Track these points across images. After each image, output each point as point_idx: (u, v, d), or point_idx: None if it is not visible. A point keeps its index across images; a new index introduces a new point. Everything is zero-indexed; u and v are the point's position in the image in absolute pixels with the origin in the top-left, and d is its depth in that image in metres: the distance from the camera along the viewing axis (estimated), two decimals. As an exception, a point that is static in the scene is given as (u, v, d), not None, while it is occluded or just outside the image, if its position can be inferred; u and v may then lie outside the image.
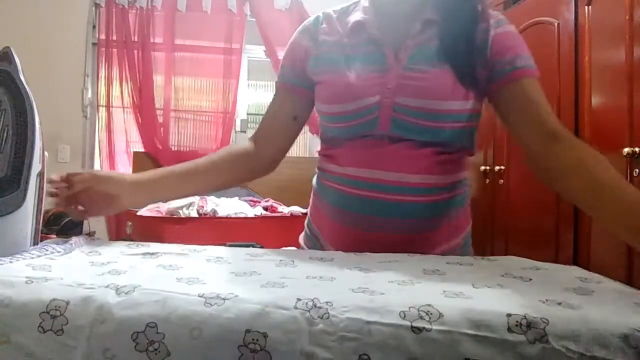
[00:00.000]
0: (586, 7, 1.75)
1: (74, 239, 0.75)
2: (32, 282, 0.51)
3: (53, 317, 0.47)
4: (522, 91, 0.82)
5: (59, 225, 2.58)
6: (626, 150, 1.48)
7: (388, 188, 0.82)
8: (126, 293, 0.49)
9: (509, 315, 0.45)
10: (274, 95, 0.97)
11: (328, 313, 0.46)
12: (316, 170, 0.96)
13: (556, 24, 1.90)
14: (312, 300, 0.48)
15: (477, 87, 0.83)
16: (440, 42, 0.83)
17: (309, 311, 0.46)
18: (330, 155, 0.91)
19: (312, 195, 0.97)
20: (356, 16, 0.88)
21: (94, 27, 3.30)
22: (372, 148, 0.83)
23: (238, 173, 0.95)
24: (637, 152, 1.46)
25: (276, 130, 0.96)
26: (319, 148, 0.96)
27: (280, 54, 0.88)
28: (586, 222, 1.70)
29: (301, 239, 1.01)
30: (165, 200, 2.45)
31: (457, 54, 0.82)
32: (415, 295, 0.52)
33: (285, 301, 0.48)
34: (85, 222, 2.73)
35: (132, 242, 0.77)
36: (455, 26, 0.83)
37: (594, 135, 1.67)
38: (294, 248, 1.00)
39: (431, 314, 0.46)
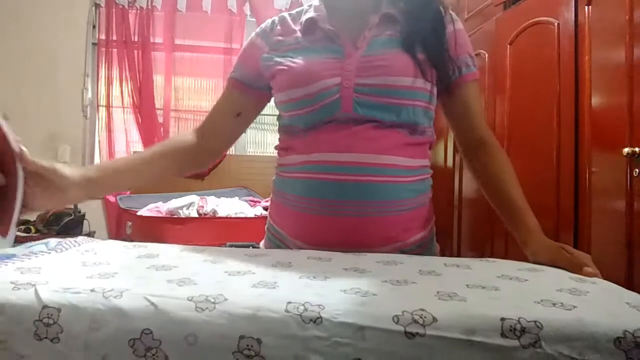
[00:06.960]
0: (586, 7, 1.75)
1: (69, 240, 0.74)
2: (19, 288, 0.50)
3: (47, 325, 0.46)
4: (465, 96, 0.91)
5: (59, 225, 2.58)
6: (626, 150, 1.47)
7: (355, 169, 0.81)
8: (115, 297, 0.48)
9: (503, 319, 0.45)
10: (224, 90, 1.00)
11: (320, 317, 0.46)
12: (275, 169, 0.95)
13: (556, 24, 1.90)
14: (304, 304, 0.47)
15: (440, 77, 0.87)
16: (403, 39, 0.85)
17: (300, 315, 0.46)
18: (291, 147, 0.90)
19: (271, 196, 0.96)
20: (308, 14, 0.91)
21: (94, 27, 3.30)
22: (337, 131, 0.83)
23: (182, 164, 0.96)
24: (637, 152, 1.46)
25: (220, 125, 0.99)
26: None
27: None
28: (586, 222, 1.70)
29: (262, 245, 0.99)
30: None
31: (422, 50, 0.85)
32: (408, 297, 0.51)
33: (276, 304, 0.47)
34: (85, 222, 2.73)
35: (130, 243, 0.76)
36: (418, 25, 0.86)
37: (594, 135, 1.67)
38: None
39: (425, 317, 0.45)
